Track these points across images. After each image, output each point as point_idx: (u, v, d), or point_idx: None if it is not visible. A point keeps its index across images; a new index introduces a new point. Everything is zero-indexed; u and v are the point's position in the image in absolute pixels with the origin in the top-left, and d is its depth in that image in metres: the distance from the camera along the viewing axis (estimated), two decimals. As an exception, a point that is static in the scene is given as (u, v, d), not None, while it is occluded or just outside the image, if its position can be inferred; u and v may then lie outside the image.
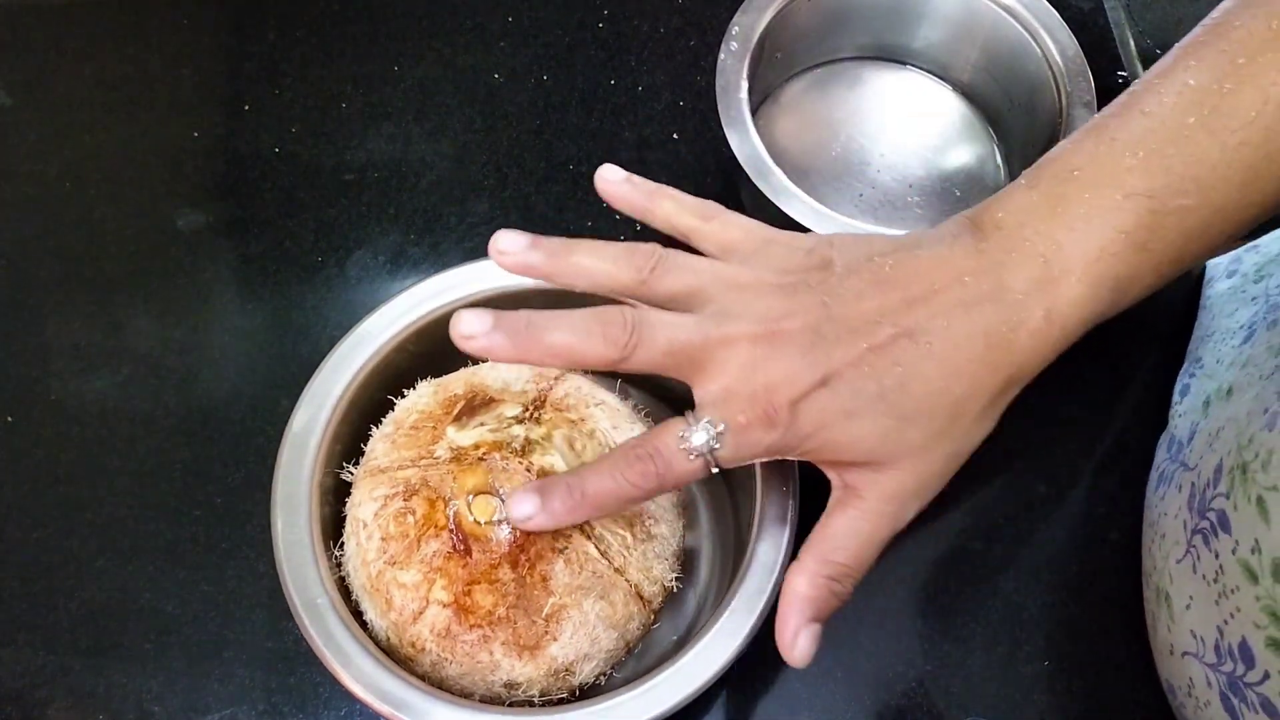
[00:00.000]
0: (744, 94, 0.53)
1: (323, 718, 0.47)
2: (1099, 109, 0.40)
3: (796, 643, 0.37)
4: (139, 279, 0.57)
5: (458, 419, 0.44)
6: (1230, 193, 0.38)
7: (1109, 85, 0.61)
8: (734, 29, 0.55)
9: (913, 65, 0.62)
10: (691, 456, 0.37)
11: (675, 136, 0.61)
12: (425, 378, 0.46)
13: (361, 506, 0.42)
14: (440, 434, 0.43)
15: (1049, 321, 0.37)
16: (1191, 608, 0.41)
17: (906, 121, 0.61)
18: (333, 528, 0.44)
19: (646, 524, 0.43)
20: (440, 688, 0.40)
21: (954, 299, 0.37)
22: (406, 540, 0.41)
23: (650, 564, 0.43)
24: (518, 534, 0.40)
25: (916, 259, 0.38)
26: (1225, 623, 0.38)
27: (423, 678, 0.40)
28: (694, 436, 0.36)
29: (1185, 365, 0.52)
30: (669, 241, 0.40)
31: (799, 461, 0.41)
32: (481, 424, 0.43)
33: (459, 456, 0.42)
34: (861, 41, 0.62)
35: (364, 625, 0.41)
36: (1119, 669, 0.48)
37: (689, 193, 0.60)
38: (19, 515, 0.51)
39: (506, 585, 0.40)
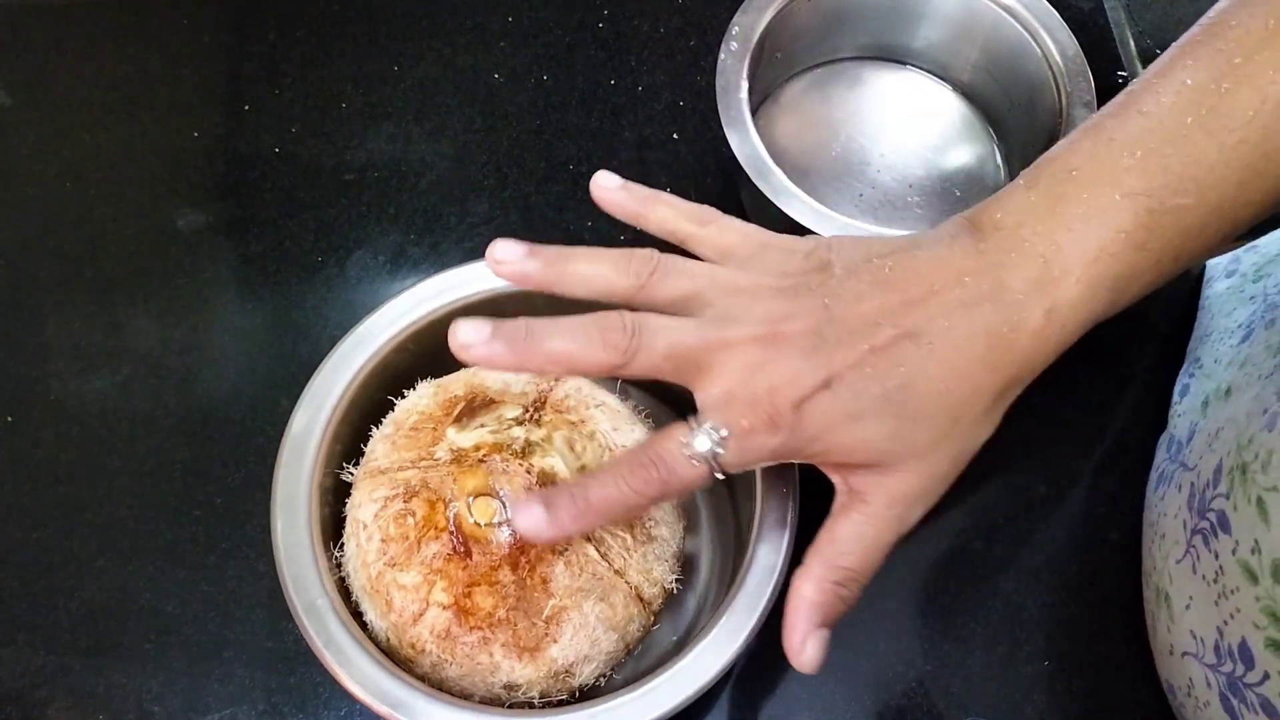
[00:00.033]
0: (744, 94, 0.53)
1: (323, 718, 0.47)
2: (1099, 109, 0.40)
3: (805, 649, 0.37)
4: (139, 279, 0.57)
5: (458, 420, 0.44)
6: (1228, 192, 0.38)
7: (1109, 85, 0.61)
8: (734, 29, 0.55)
9: (913, 65, 0.62)
10: (695, 462, 0.36)
11: (675, 136, 0.61)
12: (425, 378, 0.46)
13: (362, 508, 0.42)
14: (440, 435, 0.43)
15: (1049, 321, 0.37)
16: (1191, 608, 0.41)
17: (906, 121, 0.61)
18: (333, 528, 0.44)
19: (647, 526, 0.43)
20: (440, 689, 0.40)
21: (954, 299, 0.37)
22: (407, 542, 0.41)
23: (650, 566, 0.43)
24: (518, 536, 0.40)
25: (915, 260, 0.38)
26: (1225, 623, 0.38)
27: (422, 679, 0.40)
28: (696, 442, 0.36)
29: (1185, 365, 0.52)
30: (665, 247, 0.40)
31: (800, 464, 0.41)
32: (482, 425, 0.43)
33: (459, 458, 0.42)
34: (861, 41, 0.62)
35: (364, 626, 0.41)
36: (1119, 669, 0.48)
37: (689, 193, 0.60)
38: (19, 515, 0.51)
39: (507, 587, 0.40)
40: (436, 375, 0.46)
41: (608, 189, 0.42)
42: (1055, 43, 0.55)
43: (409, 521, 0.41)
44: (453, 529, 0.40)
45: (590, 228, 0.58)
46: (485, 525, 0.40)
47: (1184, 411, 0.49)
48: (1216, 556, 0.39)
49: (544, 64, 0.64)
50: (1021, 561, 0.50)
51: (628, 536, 0.42)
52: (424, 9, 0.65)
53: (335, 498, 0.44)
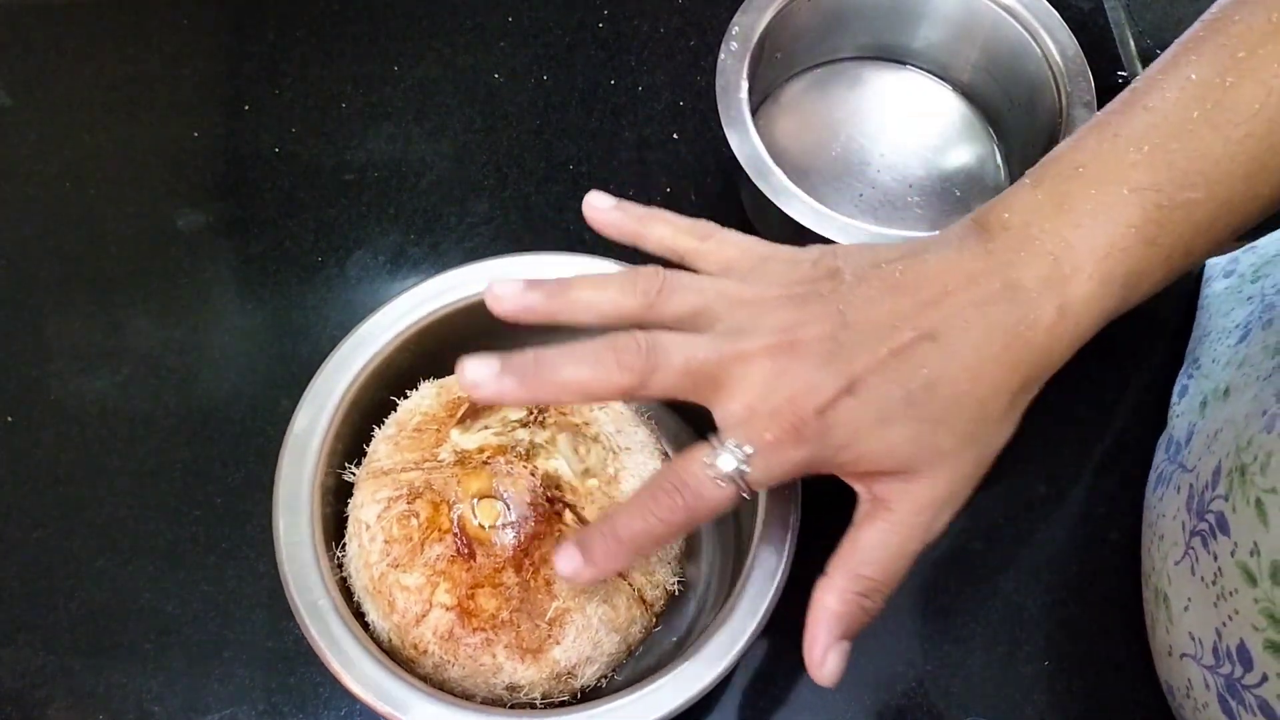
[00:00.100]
0: (744, 94, 0.53)
1: (323, 718, 0.47)
2: (1099, 109, 0.40)
3: (826, 661, 0.36)
4: (139, 279, 0.57)
5: (461, 421, 0.44)
6: (1236, 186, 0.37)
7: (1109, 85, 0.61)
8: (734, 29, 0.55)
9: (913, 65, 0.62)
10: (721, 483, 0.35)
11: (675, 136, 0.61)
12: (427, 378, 0.46)
13: (364, 508, 0.42)
14: (444, 437, 0.43)
15: (1063, 318, 0.37)
16: (1190, 609, 0.41)
17: (906, 121, 0.61)
18: (334, 529, 0.44)
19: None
20: (442, 690, 0.40)
21: (968, 300, 0.37)
22: (410, 543, 0.41)
23: (653, 568, 0.43)
24: (522, 538, 0.40)
25: (925, 263, 0.38)
26: (1223, 625, 0.38)
27: (424, 679, 0.40)
28: (721, 462, 0.35)
29: (1184, 366, 0.52)
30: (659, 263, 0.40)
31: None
32: (485, 427, 0.43)
33: (463, 460, 0.42)
34: (861, 41, 0.62)
35: (365, 627, 0.42)
36: (1119, 669, 0.48)
37: (689, 193, 0.60)
38: (19, 515, 0.51)
39: (510, 589, 0.40)
40: (439, 375, 0.46)
41: (602, 209, 0.41)
42: (1055, 43, 0.55)
43: (413, 523, 0.41)
44: (456, 531, 0.40)
45: (590, 228, 0.58)
46: (489, 527, 0.40)
47: (1182, 412, 0.49)
48: (1215, 558, 0.39)
49: (544, 64, 0.64)
50: (1021, 561, 0.50)
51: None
52: (424, 9, 0.65)
53: (337, 498, 0.44)
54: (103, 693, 0.47)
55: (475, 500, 0.41)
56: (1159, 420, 0.51)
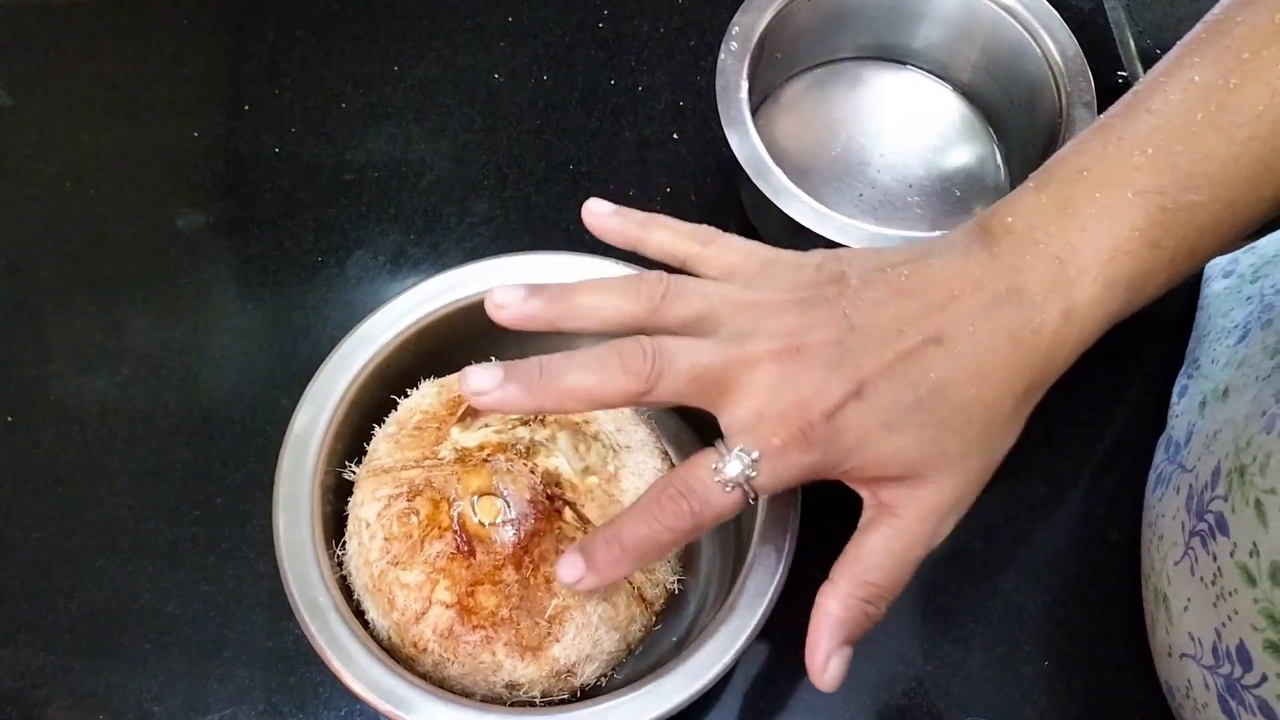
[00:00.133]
0: (744, 94, 0.53)
1: (323, 718, 0.47)
2: (1099, 109, 0.40)
3: (828, 667, 0.36)
4: (139, 279, 0.57)
5: (462, 420, 0.44)
6: (1240, 187, 0.37)
7: (1109, 85, 0.61)
8: (734, 29, 0.55)
9: (913, 65, 0.62)
10: (728, 489, 0.35)
11: (675, 136, 0.61)
12: (428, 377, 0.46)
13: (364, 506, 0.42)
14: (444, 435, 0.43)
15: (1068, 321, 0.37)
16: (1189, 610, 0.41)
17: (906, 121, 0.61)
18: (334, 527, 0.44)
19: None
20: (441, 687, 0.40)
21: (974, 304, 0.37)
22: (410, 541, 0.41)
23: (653, 566, 0.43)
24: (522, 535, 0.40)
25: (930, 268, 0.38)
26: (1223, 625, 0.38)
27: (424, 677, 0.40)
28: (728, 467, 0.35)
29: (1184, 366, 0.52)
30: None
31: None
32: (486, 425, 0.43)
33: (463, 458, 0.42)
34: (861, 41, 0.62)
35: (366, 625, 0.42)
36: (1119, 669, 0.48)
37: (689, 193, 0.60)
38: (19, 515, 0.51)
39: (510, 586, 0.40)
40: (439, 374, 0.46)
41: (601, 215, 0.41)
42: (1055, 43, 0.55)
43: (413, 520, 0.41)
44: (456, 528, 0.40)
45: (590, 229, 0.58)
46: (489, 525, 0.40)
47: (1182, 412, 0.49)
48: (1215, 558, 0.39)
49: (544, 64, 0.64)
50: (1021, 561, 0.50)
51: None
52: (424, 9, 0.65)
53: (337, 496, 0.44)
54: (103, 693, 0.47)
55: (475, 498, 0.41)
56: (1159, 420, 0.51)
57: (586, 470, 0.43)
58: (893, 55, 0.62)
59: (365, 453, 0.45)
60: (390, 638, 0.41)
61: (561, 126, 0.62)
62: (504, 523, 0.40)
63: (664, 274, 0.38)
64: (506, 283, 0.38)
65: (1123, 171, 0.37)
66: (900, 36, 0.61)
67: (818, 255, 0.39)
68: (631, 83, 0.63)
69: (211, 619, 0.49)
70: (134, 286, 0.57)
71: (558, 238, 0.58)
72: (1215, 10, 0.39)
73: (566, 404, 0.37)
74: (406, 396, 0.46)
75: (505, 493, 0.41)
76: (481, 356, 0.42)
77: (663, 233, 0.40)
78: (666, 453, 0.47)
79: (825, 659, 0.36)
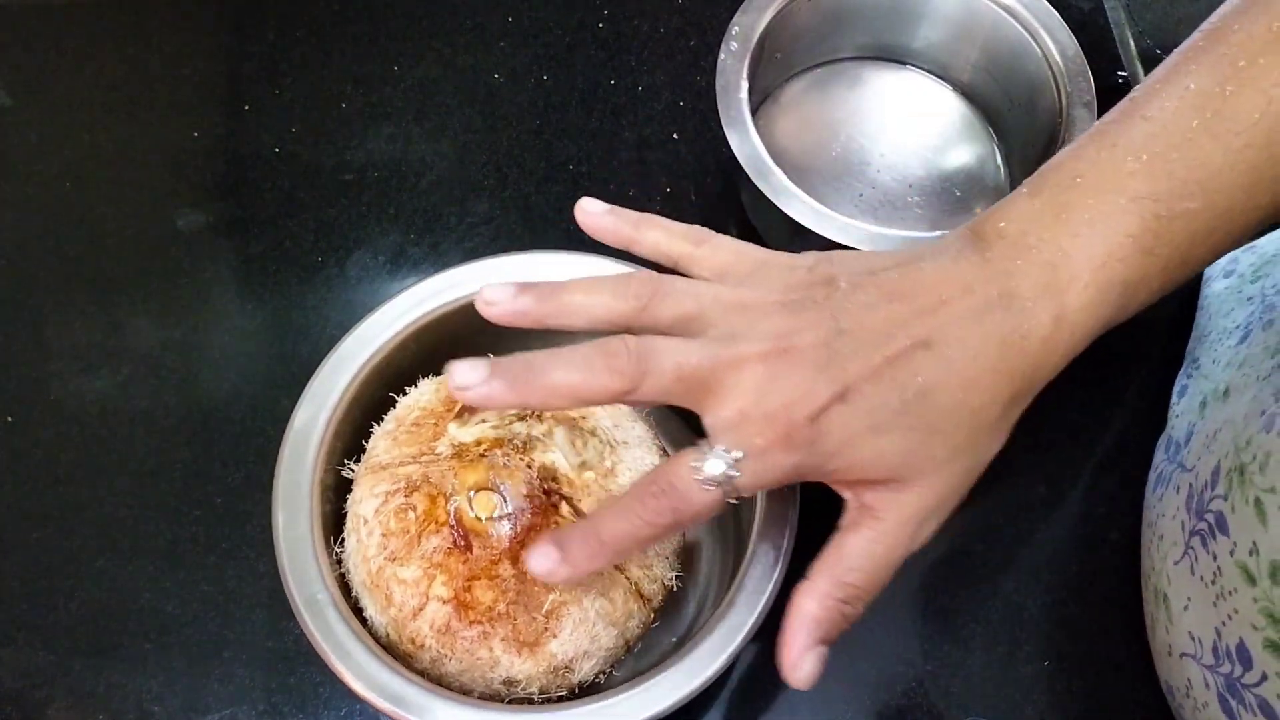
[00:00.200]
0: (744, 94, 0.53)
1: (323, 718, 0.47)
2: (1099, 109, 0.40)
3: (801, 664, 0.36)
4: (139, 279, 0.57)
5: (459, 415, 0.44)
6: (1235, 195, 0.37)
7: (1109, 85, 0.61)
8: (734, 29, 0.55)
9: (913, 65, 0.62)
10: (707, 487, 0.35)
11: (675, 136, 0.61)
12: (427, 376, 0.46)
13: (362, 503, 0.42)
14: (442, 430, 0.43)
15: (1059, 327, 0.37)
16: (1189, 609, 0.41)
17: (906, 121, 0.61)
18: (334, 525, 0.44)
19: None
20: (439, 684, 0.40)
21: (964, 308, 0.37)
22: (407, 536, 0.41)
23: (651, 562, 0.43)
24: (518, 530, 0.40)
25: (921, 271, 0.38)
26: (1223, 624, 0.38)
27: (422, 674, 0.40)
28: (709, 466, 0.35)
29: (1184, 366, 0.52)
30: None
31: None
32: (483, 420, 0.44)
33: (460, 453, 0.42)
34: (861, 41, 0.62)
35: (364, 622, 0.42)
36: (1119, 669, 0.48)
37: (689, 193, 0.60)
38: (19, 515, 0.51)
39: (507, 581, 0.40)
40: (438, 373, 0.46)
41: (594, 214, 0.41)
42: (1055, 43, 0.55)
43: (409, 515, 0.41)
44: (453, 523, 0.40)
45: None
46: (486, 519, 0.40)
47: (1182, 412, 0.49)
48: (1214, 558, 0.39)
49: (544, 64, 0.64)
50: (1021, 562, 0.50)
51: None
52: (424, 9, 0.65)
53: (337, 494, 0.44)
54: (103, 693, 0.47)
55: (472, 493, 0.41)
56: (1158, 420, 0.51)
57: (583, 465, 0.43)
58: (893, 55, 0.62)
59: (365, 450, 0.45)
60: (388, 634, 0.41)
61: (561, 126, 0.62)
62: (500, 517, 0.40)
63: (654, 273, 0.38)
64: (496, 280, 0.38)
65: (1117, 178, 0.37)
66: (900, 36, 0.61)
67: (810, 258, 0.39)
68: (631, 83, 0.63)
69: (211, 619, 0.49)
70: (134, 286, 0.57)
71: (557, 238, 0.58)
72: (1213, 18, 0.39)
73: (551, 400, 0.37)
74: (405, 394, 0.46)
75: (502, 488, 0.41)
76: (481, 355, 0.42)
77: (656, 232, 0.41)
78: (665, 449, 0.47)
79: (798, 656, 0.36)
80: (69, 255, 0.58)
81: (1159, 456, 0.49)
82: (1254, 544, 0.36)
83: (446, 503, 0.41)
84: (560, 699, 0.41)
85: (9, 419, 0.53)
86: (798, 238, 0.50)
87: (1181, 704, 0.43)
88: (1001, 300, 0.37)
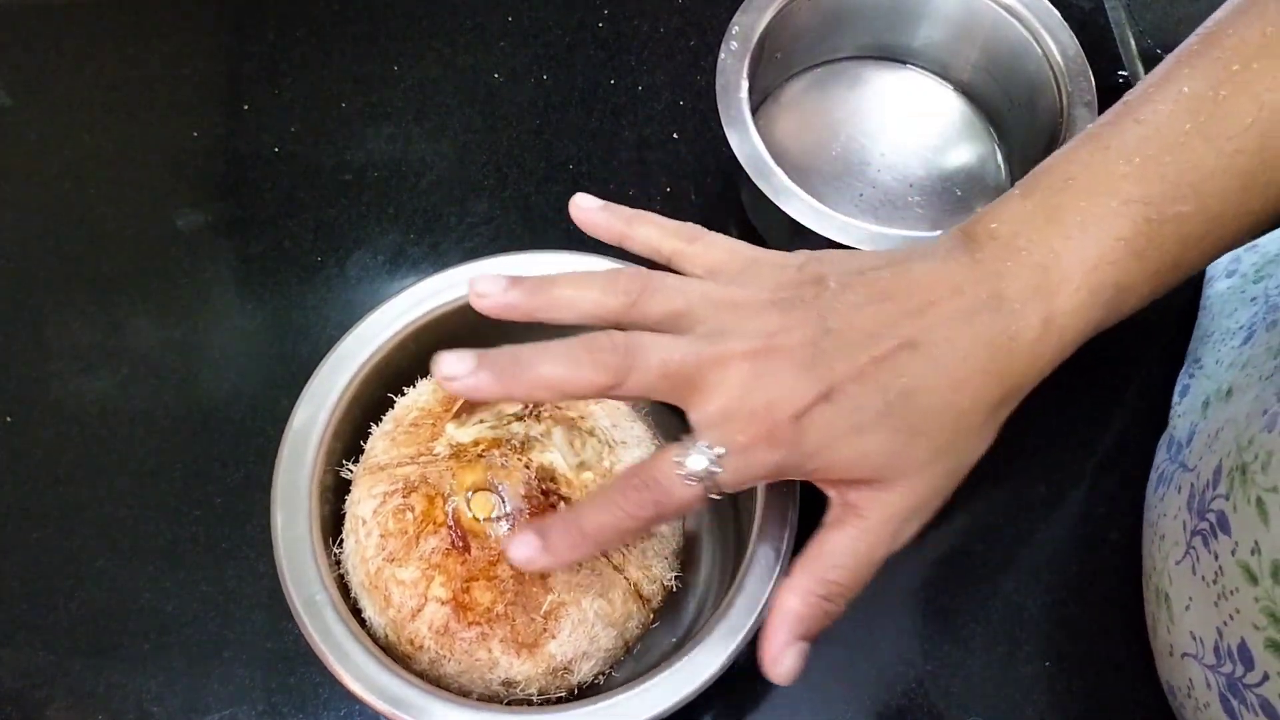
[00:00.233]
0: (744, 94, 0.53)
1: (322, 718, 0.47)
2: (1100, 108, 0.40)
3: (782, 659, 0.36)
4: (139, 279, 0.57)
5: (457, 416, 0.44)
6: (1228, 199, 0.37)
7: (1109, 85, 0.61)
8: (734, 29, 0.55)
9: (913, 65, 0.62)
10: (689, 482, 0.35)
11: (675, 136, 0.61)
12: (426, 376, 0.46)
13: (361, 504, 0.42)
14: (440, 431, 0.43)
15: (1048, 330, 0.37)
16: (1191, 609, 0.41)
17: (907, 121, 0.61)
18: (332, 525, 0.44)
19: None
20: (438, 685, 0.40)
21: (953, 310, 0.37)
22: (405, 537, 0.41)
23: (650, 563, 0.43)
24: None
25: (911, 272, 0.38)
26: (1225, 624, 0.38)
27: (421, 675, 0.40)
28: (690, 461, 0.35)
29: (1185, 366, 0.52)
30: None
31: None
32: (481, 421, 0.43)
33: (458, 453, 0.42)
34: (861, 41, 0.62)
35: (363, 623, 0.41)
36: (1119, 669, 0.48)
37: (689, 193, 0.60)
38: (19, 515, 0.51)
39: (505, 582, 0.40)
40: (437, 373, 0.46)
41: (588, 210, 0.41)
42: (1056, 42, 0.55)
43: (408, 516, 0.41)
44: (451, 524, 0.40)
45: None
46: (484, 520, 0.40)
47: (1184, 412, 0.49)
48: (1216, 557, 0.39)
49: (544, 64, 0.64)
50: (1021, 562, 0.50)
51: (628, 535, 0.42)
52: (424, 9, 0.65)
53: (335, 495, 0.44)
54: (103, 693, 0.47)
55: (470, 493, 0.41)
56: (1159, 420, 0.51)
57: (581, 465, 0.43)
58: (893, 55, 0.62)
59: (364, 451, 0.45)
60: (387, 635, 0.41)
61: (561, 126, 0.62)
62: (499, 518, 0.40)
63: (644, 269, 0.39)
64: (485, 269, 0.38)
65: (1109, 180, 0.37)
66: (900, 36, 0.61)
67: (800, 256, 0.39)
68: (631, 83, 0.63)
69: (211, 619, 0.49)
70: (134, 286, 0.57)
71: (557, 237, 0.58)
72: (1208, 21, 0.40)
73: (537, 393, 0.37)
74: (404, 395, 0.46)
75: (500, 488, 0.41)
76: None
77: (649, 229, 0.41)
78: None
79: (779, 651, 0.36)
80: (69, 255, 0.58)
81: (1160, 456, 0.49)
82: (1256, 543, 0.36)
83: (445, 503, 0.41)
84: (559, 700, 0.41)
85: (9, 419, 0.53)
86: (798, 237, 0.50)
87: (1183, 704, 0.43)
88: (991, 302, 0.37)
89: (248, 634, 0.48)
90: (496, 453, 0.42)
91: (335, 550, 0.43)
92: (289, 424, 0.44)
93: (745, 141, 0.52)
